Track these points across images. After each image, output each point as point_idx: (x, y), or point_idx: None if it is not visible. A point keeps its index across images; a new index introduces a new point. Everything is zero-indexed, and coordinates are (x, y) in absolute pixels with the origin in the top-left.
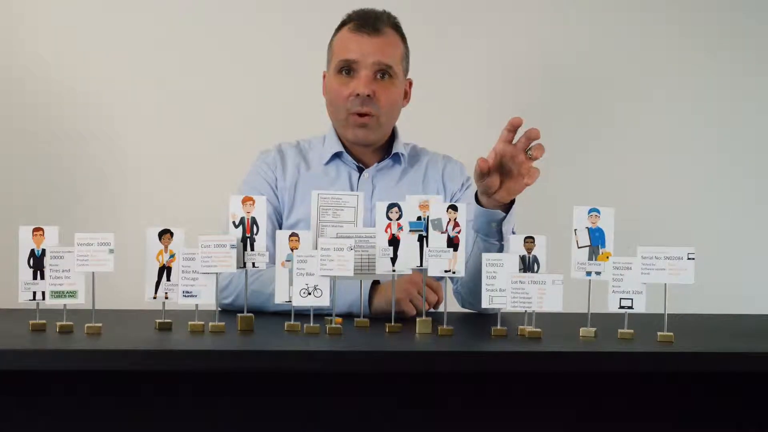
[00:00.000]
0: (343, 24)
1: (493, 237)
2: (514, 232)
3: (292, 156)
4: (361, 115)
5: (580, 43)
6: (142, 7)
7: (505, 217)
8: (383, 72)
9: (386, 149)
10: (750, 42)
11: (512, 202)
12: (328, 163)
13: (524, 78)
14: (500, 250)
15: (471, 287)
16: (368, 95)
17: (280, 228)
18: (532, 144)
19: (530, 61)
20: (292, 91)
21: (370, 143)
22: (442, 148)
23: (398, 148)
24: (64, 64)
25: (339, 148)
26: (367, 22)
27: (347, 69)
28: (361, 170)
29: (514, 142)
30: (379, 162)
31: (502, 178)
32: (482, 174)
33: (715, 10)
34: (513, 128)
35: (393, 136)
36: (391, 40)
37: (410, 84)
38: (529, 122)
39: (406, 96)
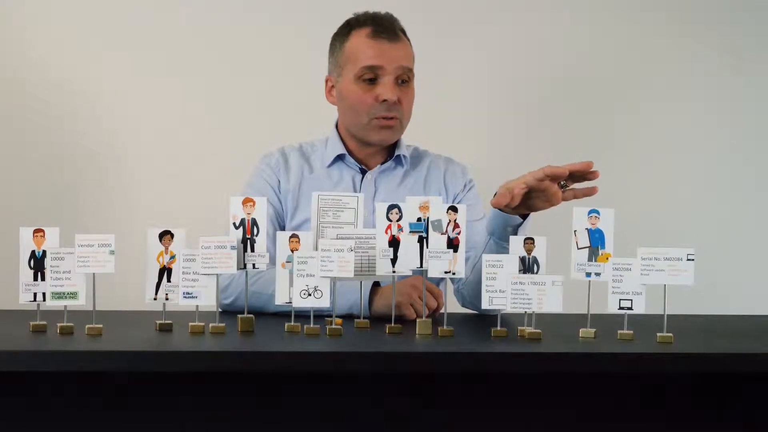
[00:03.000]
0: (351, 28)
1: (507, 241)
2: None
3: (296, 159)
4: (386, 118)
5: (582, 44)
6: (143, 7)
7: (521, 223)
8: (403, 77)
9: (388, 151)
10: (751, 42)
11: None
12: (330, 165)
13: (525, 80)
14: None
15: (476, 288)
16: (395, 101)
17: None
18: (580, 186)
19: (531, 63)
20: (293, 93)
21: (391, 143)
22: (443, 150)
23: (401, 150)
24: (65, 65)
25: (342, 150)
26: (385, 28)
27: (370, 76)
28: (363, 172)
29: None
30: (381, 164)
31: (524, 197)
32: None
33: (715, 10)
34: (554, 179)
35: None
36: (407, 44)
37: None
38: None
39: None
